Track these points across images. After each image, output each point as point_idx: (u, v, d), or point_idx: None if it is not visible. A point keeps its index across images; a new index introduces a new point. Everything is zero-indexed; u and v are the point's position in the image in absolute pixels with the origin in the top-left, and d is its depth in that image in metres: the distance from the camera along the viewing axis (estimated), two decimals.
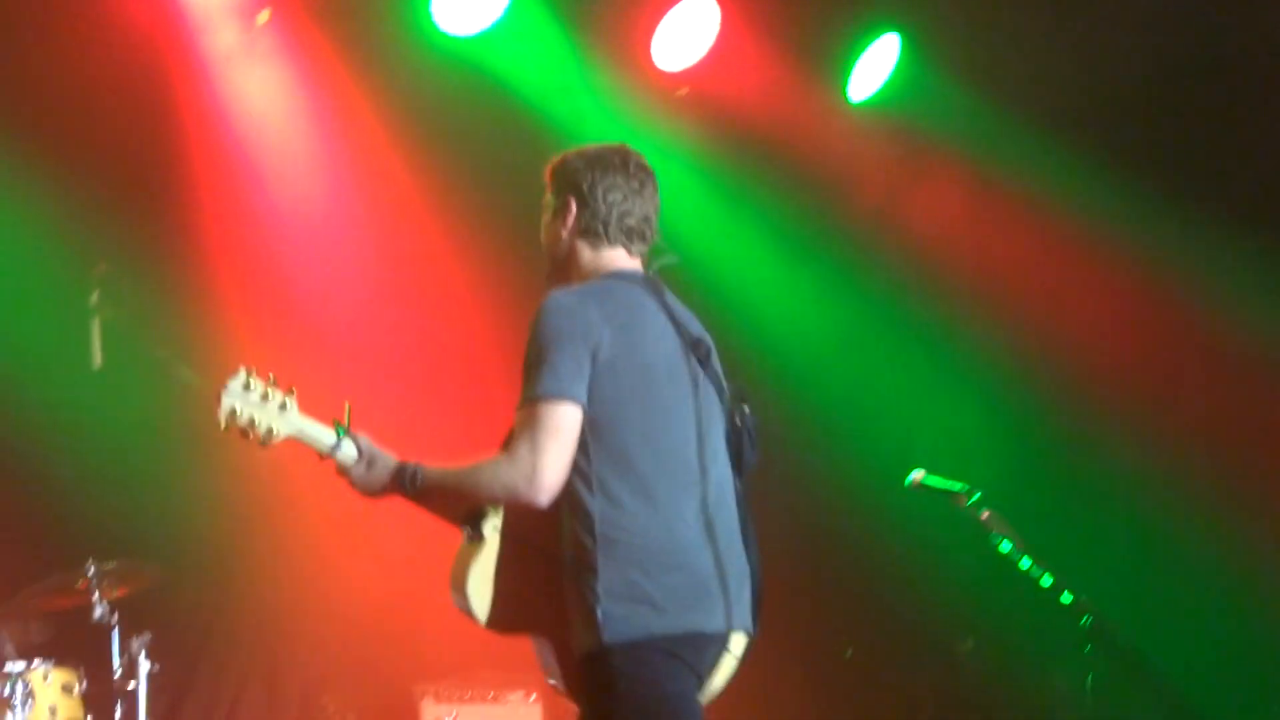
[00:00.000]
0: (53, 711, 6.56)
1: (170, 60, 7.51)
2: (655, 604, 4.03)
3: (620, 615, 4.01)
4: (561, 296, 4.20)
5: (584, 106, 7.96)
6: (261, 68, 7.73)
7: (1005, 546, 5.55)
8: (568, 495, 4.09)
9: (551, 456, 4.02)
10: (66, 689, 6.64)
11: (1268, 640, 7.46)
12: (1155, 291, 7.97)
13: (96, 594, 6.74)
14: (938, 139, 8.40)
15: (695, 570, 4.11)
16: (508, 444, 4.10)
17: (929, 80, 8.24)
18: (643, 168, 4.40)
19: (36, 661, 6.60)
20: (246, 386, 4.13)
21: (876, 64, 8.25)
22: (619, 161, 4.37)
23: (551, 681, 4.32)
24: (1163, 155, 7.86)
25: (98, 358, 6.12)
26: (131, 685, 6.78)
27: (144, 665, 6.78)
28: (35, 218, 7.42)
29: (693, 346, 4.28)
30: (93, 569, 6.74)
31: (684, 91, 8.15)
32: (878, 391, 8.53)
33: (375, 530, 7.69)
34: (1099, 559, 7.46)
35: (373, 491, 4.22)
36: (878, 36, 8.16)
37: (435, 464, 4.20)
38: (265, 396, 4.14)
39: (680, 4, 7.83)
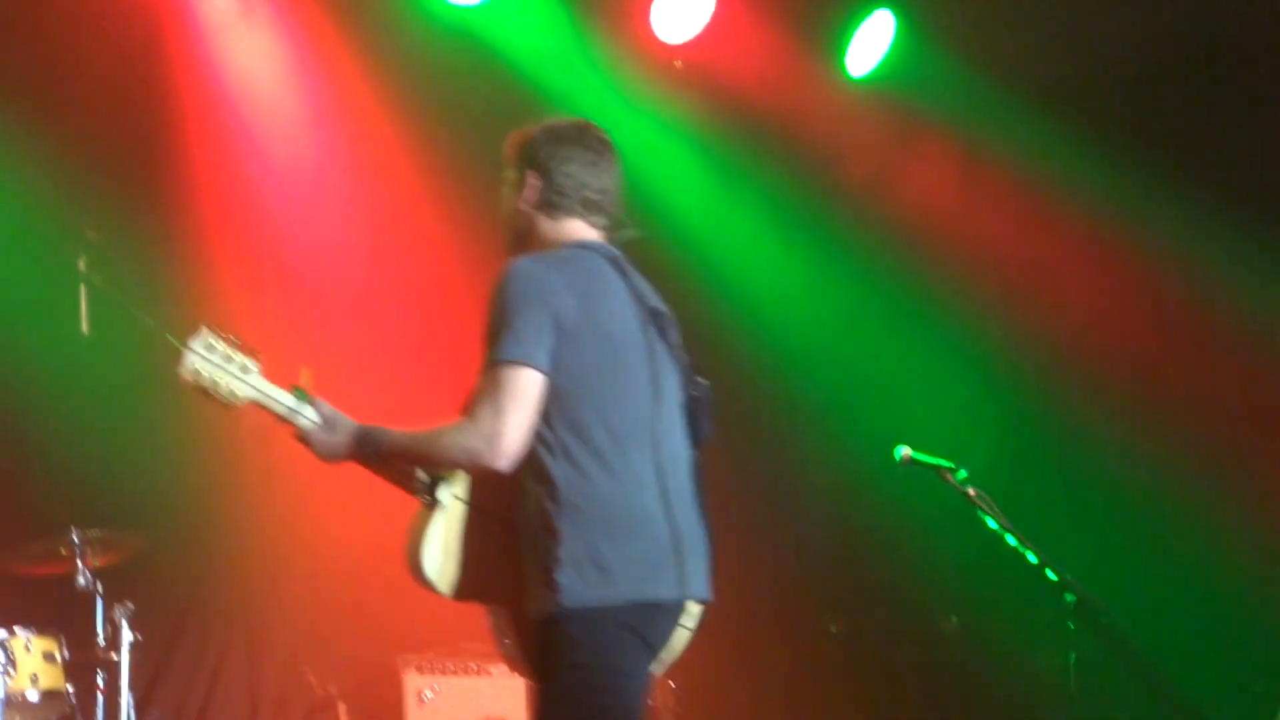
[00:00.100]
0: (34, 679, 6.52)
1: (165, 25, 7.48)
2: (614, 571, 4.02)
3: (580, 581, 4.01)
4: (525, 263, 4.19)
5: (581, 78, 7.94)
6: (257, 33, 7.71)
7: (991, 524, 5.54)
8: (530, 461, 4.08)
9: (514, 421, 4.00)
10: (48, 657, 6.60)
11: (1251, 620, 7.47)
12: (1146, 269, 7.96)
13: (80, 562, 6.72)
14: (932, 115, 8.38)
15: (654, 537, 4.11)
16: (468, 408, 4.08)
17: (924, 56, 8.21)
18: (602, 141, 4.40)
19: (18, 629, 6.56)
20: (209, 347, 4.10)
21: (874, 40, 8.22)
22: (577, 135, 4.37)
23: (504, 650, 4.29)
24: (1155, 133, 7.85)
25: (85, 324, 6.09)
26: (114, 656, 6.74)
27: (126, 635, 6.74)
28: (24, 183, 7.38)
29: (652, 318, 4.28)
30: (76, 536, 6.72)
31: (679, 64, 8.13)
32: (867, 367, 8.52)
33: (359, 500, 7.63)
34: (1085, 537, 7.49)
35: (334, 456, 4.19)
36: (873, 11, 8.14)
37: (397, 428, 4.18)
38: (228, 358, 4.11)
39: None
